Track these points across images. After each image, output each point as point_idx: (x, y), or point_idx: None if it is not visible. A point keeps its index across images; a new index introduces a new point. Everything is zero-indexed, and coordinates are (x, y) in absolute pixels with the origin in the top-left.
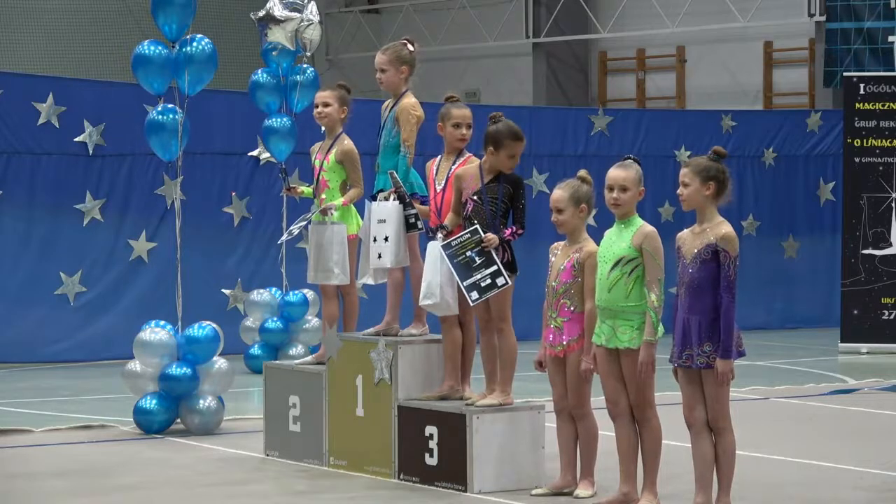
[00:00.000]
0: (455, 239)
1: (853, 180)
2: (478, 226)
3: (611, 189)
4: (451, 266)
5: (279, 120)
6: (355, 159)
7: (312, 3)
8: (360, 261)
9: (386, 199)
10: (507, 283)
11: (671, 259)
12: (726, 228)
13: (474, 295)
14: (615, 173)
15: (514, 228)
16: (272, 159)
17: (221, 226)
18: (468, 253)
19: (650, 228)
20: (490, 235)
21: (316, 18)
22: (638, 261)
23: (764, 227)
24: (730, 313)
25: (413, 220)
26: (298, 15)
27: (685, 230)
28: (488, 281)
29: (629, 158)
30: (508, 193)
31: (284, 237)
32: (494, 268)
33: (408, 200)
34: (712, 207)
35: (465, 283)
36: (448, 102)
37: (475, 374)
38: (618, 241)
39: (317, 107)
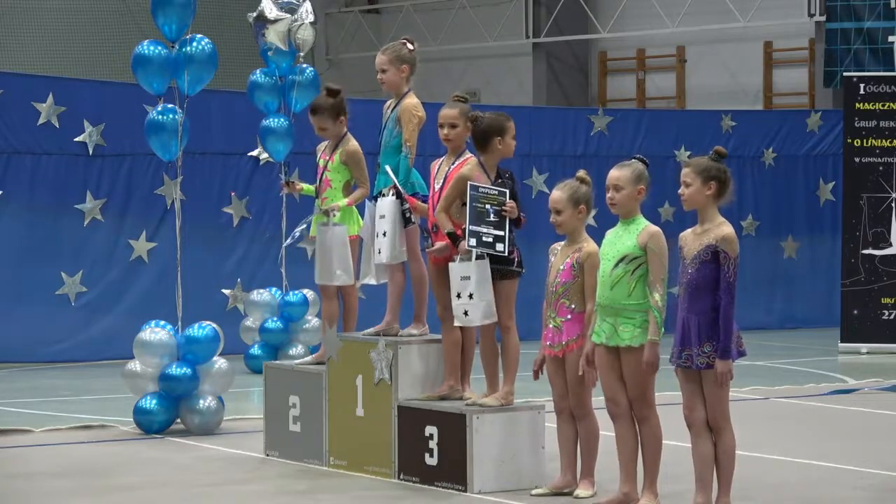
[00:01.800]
0: (485, 187)
1: (853, 180)
2: (507, 191)
3: (608, 189)
4: (468, 197)
5: (276, 120)
6: (360, 159)
7: (307, 2)
8: (362, 261)
9: (385, 195)
10: (504, 251)
11: (673, 259)
12: (727, 229)
13: (472, 242)
14: (611, 173)
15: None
16: (271, 159)
17: (221, 226)
18: (487, 206)
19: (655, 228)
20: (512, 203)
21: (308, 19)
22: (641, 259)
23: (763, 227)
24: (729, 314)
25: (407, 214)
26: (288, 15)
27: (687, 230)
28: (490, 240)
29: (634, 158)
30: (510, 187)
31: (288, 241)
32: (502, 233)
33: (491, 219)
34: (713, 207)
35: (470, 227)
36: None
37: (475, 374)
38: (621, 239)
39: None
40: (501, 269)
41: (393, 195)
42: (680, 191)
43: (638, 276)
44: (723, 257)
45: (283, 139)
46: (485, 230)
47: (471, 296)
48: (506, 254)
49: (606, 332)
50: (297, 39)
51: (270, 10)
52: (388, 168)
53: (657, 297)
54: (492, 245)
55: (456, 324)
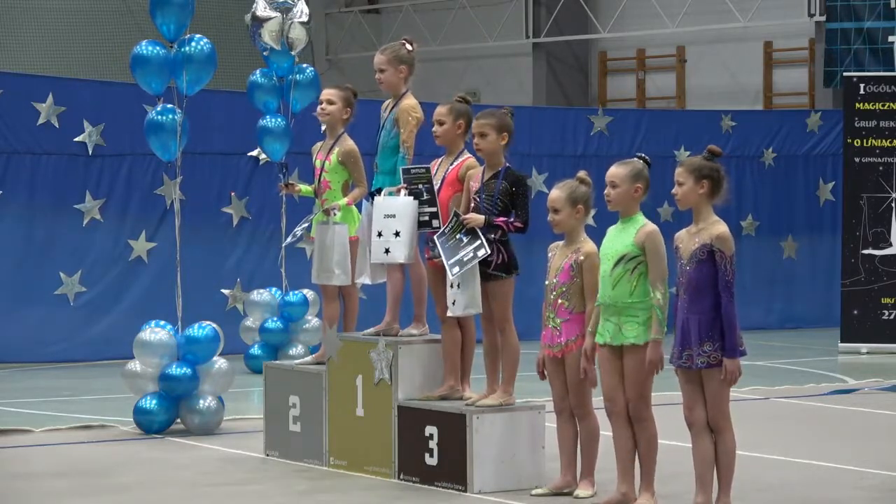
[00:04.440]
0: (446, 227)
1: (853, 180)
2: (455, 210)
3: (606, 185)
4: (440, 250)
5: (273, 120)
6: (358, 159)
7: (301, 2)
8: (358, 260)
9: (393, 193)
10: (487, 252)
11: (673, 258)
12: (721, 228)
13: (455, 269)
14: (610, 170)
15: (510, 219)
16: (269, 159)
17: (221, 226)
18: (457, 236)
19: (652, 227)
20: (469, 215)
21: (299, 18)
22: (640, 258)
23: (763, 228)
24: (730, 312)
25: (426, 217)
26: (278, 14)
27: (682, 230)
28: (470, 255)
29: (636, 156)
30: (507, 190)
31: (288, 240)
32: (478, 242)
33: (425, 198)
34: (708, 206)
35: (449, 262)
36: None
37: (475, 373)
38: (620, 238)
39: (321, 103)
40: (484, 271)
41: (406, 195)
42: (673, 190)
43: (638, 275)
44: (718, 256)
45: (280, 139)
46: (462, 254)
47: (459, 285)
48: (488, 252)
49: (611, 332)
50: (288, 38)
51: (263, 10)
52: (414, 169)
53: (658, 295)
54: (473, 258)
55: (447, 314)
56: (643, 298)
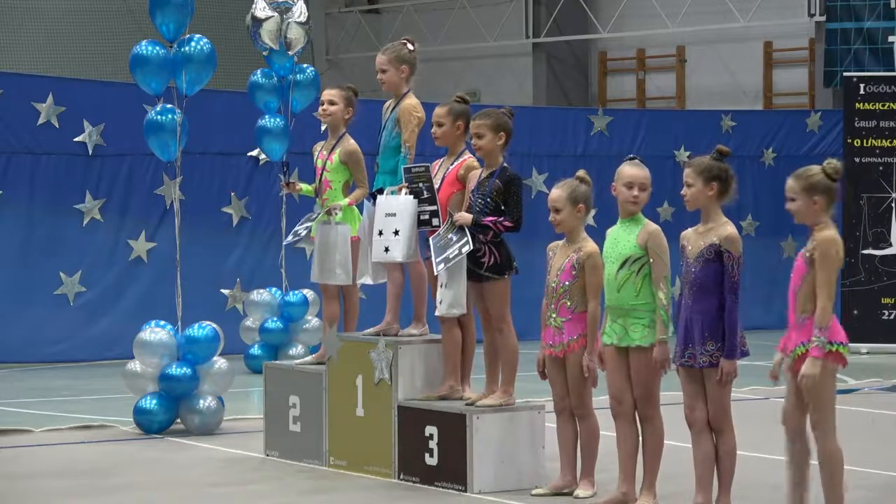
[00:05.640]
0: (442, 228)
1: (853, 180)
2: (451, 211)
3: (630, 186)
4: (432, 249)
5: (272, 120)
6: (360, 159)
7: (301, 2)
8: (360, 260)
9: (395, 192)
10: (470, 247)
11: (675, 257)
12: (730, 229)
13: (440, 266)
14: (635, 171)
15: (500, 218)
16: (268, 159)
17: (221, 226)
18: (449, 236)
19: (655, 227)
20: (458, 214)
21: (297, 18)
22: (644, 259)
23: (763, 228)
24: (733, 313)
25: (427, 216)
26: (275, 14)
27: (689, 229)
28: (456, 252)
29: (636, 158)
30: (498, 189)
31: (290, 238)
32: (465, 239)
33: (425, 196)
34: (716, 207)
35: (436, 260)
36: None
37: (475, 374)
38: (623, 240)
39: (322, 104)
40: (475, 271)
41: (408, 193)
42: (682, 191)
43: (643, 276)
44: (726, 257)
45: (278, 139)
46: (449, 251)
47: (446, 284)
48: (470, 248)
49: (618, 333)
50: (286, 38)
51: (262, 10)
52: (427, 167)
53: (661, 295)
54: (458, 255)
55: (435, 313)
56: (648, 300)
